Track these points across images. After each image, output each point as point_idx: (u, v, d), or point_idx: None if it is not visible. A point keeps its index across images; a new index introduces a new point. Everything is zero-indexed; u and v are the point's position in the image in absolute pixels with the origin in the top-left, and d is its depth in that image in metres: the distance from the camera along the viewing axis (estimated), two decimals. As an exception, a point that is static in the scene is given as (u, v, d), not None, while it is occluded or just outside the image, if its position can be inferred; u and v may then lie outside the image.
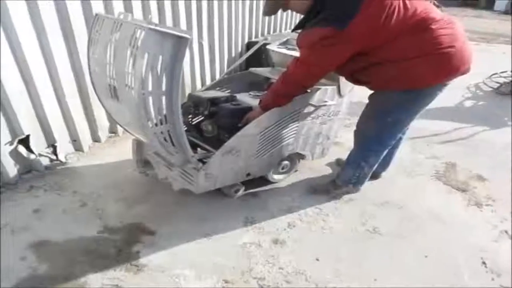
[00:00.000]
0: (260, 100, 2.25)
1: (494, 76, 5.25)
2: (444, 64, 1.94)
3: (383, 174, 2.76)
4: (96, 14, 1.95)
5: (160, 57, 1.67)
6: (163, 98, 1.78)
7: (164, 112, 1.81)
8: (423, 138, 3.49)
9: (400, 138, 2.52)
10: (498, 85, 4.93)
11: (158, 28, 1.65)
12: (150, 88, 1.72)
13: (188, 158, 2.04)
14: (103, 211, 2.26)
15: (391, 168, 2.86)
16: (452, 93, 4.67)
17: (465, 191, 2.67)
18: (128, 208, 2.30)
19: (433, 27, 1.86)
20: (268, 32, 5.32)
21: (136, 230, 2.12)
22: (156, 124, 1.83)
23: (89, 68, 2.07)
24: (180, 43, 1.68)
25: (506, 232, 2.27)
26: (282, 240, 2.12)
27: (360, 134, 2.38)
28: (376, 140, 2.31)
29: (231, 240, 2.10)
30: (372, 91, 2.24)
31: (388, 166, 2.74)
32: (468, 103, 4.55)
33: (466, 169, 2.96)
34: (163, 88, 1.75)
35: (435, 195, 2.62)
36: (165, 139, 1.91)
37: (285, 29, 5.78)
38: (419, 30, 1.87)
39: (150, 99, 1.76)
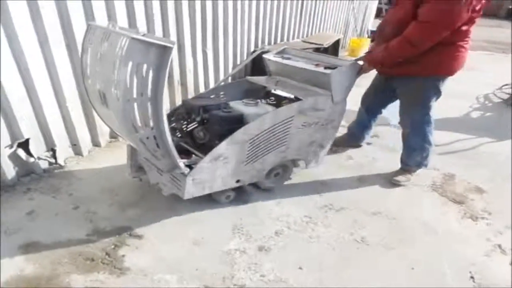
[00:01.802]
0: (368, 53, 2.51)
1: (505, 87, 5.15)
2: (464, 59, 2.44)
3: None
4: (89, 24, 2.03)
5: (145, 66, 1.72)
6: (148, 104, 1.83)
7: (150, 118, 1.86)
8: (424, 148, 3.45)
9: None
10: (508, 96, 4.83)
11: (141, 37, 1.70)
12: (135, 95, 1.77)
13: (175, 163, 2.08)
14: (95, 215, 2.31)
15: (387, 179, 2.86)
16: (460, 103, 4.62)
17: (462, 203, 2.62)
18: (119, 212, 2.35)
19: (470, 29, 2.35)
20: (275, 41, 5.36)
21: (124, 234, 2.16)
22: (142, 130, 1.89)
23: (83, 76, 2.14)
24: (163, 52, 1.72)
25: (499, 246, 2.22)
26: (267, 247, 2.12)
27: (411, 122, 2.70)
28: (427, 123, 2.67)
29: (217, 246, 2.11)
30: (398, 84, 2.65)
31: None
32: (475, 114, 4.47)
33: (465, 180, 2.92)
34: (148, 95, 1.80)
35: (429, 207, 2.58)
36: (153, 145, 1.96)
37: (293, 38, 5.81)
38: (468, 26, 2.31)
39: (136, 106, 1.81)
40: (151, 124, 1.86)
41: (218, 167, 2.21)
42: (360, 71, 2.46)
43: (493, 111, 4.56)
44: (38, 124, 2.60)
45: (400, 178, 2.83)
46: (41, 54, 2.49)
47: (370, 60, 2.47)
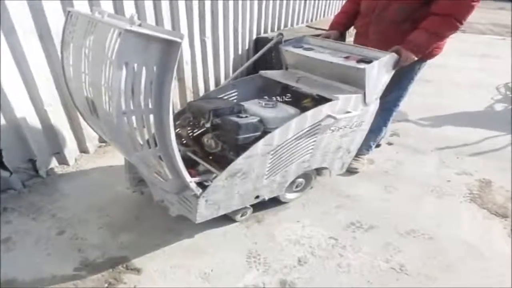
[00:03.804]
0: (407, 42, 2.10)
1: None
2: None
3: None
4: (69, 11, 1.61)
5: (144, 67, 1.33)
6: (151, 116, 1.44)
7: (153, 132, 1.48)
8: (451, 149, 3.13)
9: None
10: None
11: (139, 29, 1.30)
12: (132, 106, 1.38)
13: (185, 184, 1.69)
14: (83, 241, 1.94)
15: (417, 186, 2.55)
16: (480, 94, 4.29)
17: (505, 217, 2.30)
18: (112, 237, 1.98)
19: None
20: (279, 27, 4.93)
21: (119, 267, 1.79)
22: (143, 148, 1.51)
23: (64, 76, 1.74)
24: (169, 49, 1.32)
25: (559, 273, 1.91)
26: (290, 281, 1.77)
27: (384, 102, 2.35)
28: (395, 104, 2.56)
29: (230, 281, 1.76)
30: None
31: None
32: (498, 107, 4.14)
33: (503, 188, 2.60)
34: (150, 105, 1.40)
35: (469, 222, 2.25)
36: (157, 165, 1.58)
37: (297, 23, 5.38)
38: None
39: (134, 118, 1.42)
40: (155, 140, 1.48)
41: (236, 184, 1.85)
42: (397, 64, 2.08)
43: (517, 102, 4.23)
44: (11, 132, 2.18)
45: (356, 165, 2.71)
46: (7, 47, 2.05)
47: (413, 48, 2.07)
